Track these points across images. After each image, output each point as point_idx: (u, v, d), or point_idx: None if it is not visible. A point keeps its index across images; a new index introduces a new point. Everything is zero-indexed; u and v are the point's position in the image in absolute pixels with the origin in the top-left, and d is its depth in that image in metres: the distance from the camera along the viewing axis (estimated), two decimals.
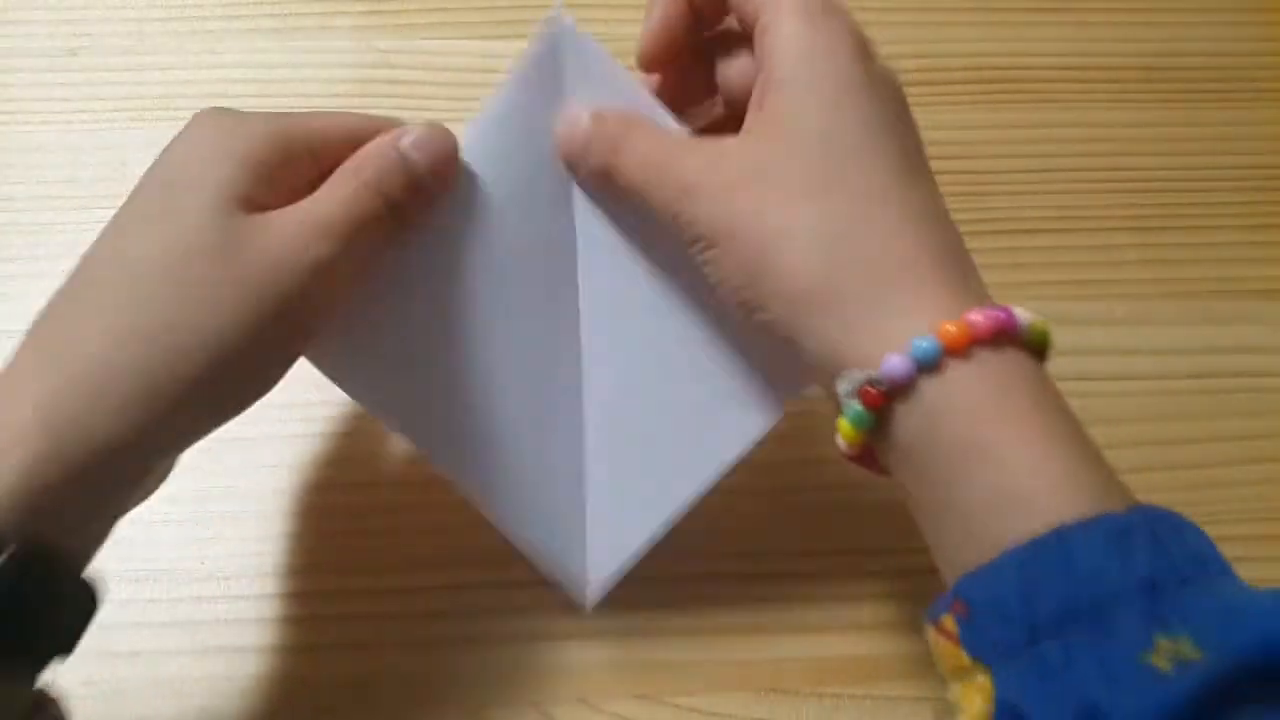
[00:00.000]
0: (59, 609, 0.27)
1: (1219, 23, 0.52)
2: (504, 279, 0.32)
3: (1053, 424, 0.27)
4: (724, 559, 0.38)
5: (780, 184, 0.29)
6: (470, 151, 0.32)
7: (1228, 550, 0.39)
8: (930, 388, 0.26)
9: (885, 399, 0.27)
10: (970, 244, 0.46)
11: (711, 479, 0.33)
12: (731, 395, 0.33)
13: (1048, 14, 0.53)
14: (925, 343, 0.26)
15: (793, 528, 0.39)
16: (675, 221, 0.30)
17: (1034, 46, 0.52)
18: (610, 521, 0.34)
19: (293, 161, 0.30)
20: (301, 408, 0.40)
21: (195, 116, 0.31)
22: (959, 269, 0.29)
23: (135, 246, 0.29)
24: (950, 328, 0.26)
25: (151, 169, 0.31)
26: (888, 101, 0.30)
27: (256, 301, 0.28)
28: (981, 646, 0.25)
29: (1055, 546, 0.24)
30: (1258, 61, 0.52)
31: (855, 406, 0.27)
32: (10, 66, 0.47)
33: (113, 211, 0.44)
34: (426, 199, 0.31)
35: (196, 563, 0.37)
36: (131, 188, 0.46)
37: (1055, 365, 0.43)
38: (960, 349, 0.26)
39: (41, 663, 0.27)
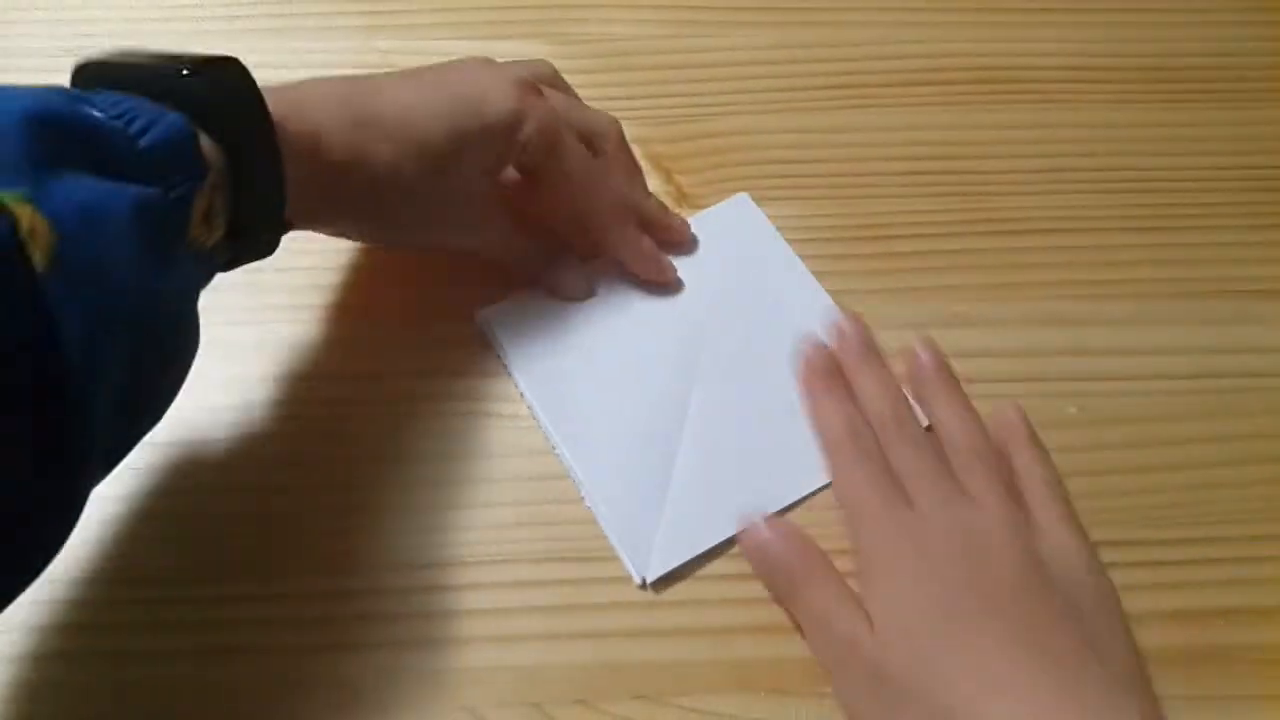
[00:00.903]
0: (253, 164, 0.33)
1: (1219, 23, 0.53)
2: (649, 320, 0.43)
3: None
4: (724, 559, 0.38)
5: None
6: None
7: (1227, 550, 0.39)
8: None
9: None
10: (970, 244, 0.46)
11: (772, 511, 0.39)
12: (805, 450, 0.40)
13: (1048, 14, 0.53)
14: None
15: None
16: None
17: (1035, 47, 0.52)
18: (683, 521, 0.39)
19: None
20: (299, 404, 0.40)
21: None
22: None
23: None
24: None
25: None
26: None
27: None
28: None
29: None
30: (1258, 61, 0.52)
31: None
32: (10, 66, 0.47)
33: None
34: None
35: (195, 563, 0.37)
36: None
37: (1055, 365, 0.43)
38: None
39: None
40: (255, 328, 0.42)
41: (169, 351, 0.31)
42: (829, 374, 0.41)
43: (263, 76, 0.49)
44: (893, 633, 0.34)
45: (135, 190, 0.28)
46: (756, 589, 0.38)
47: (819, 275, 0.44)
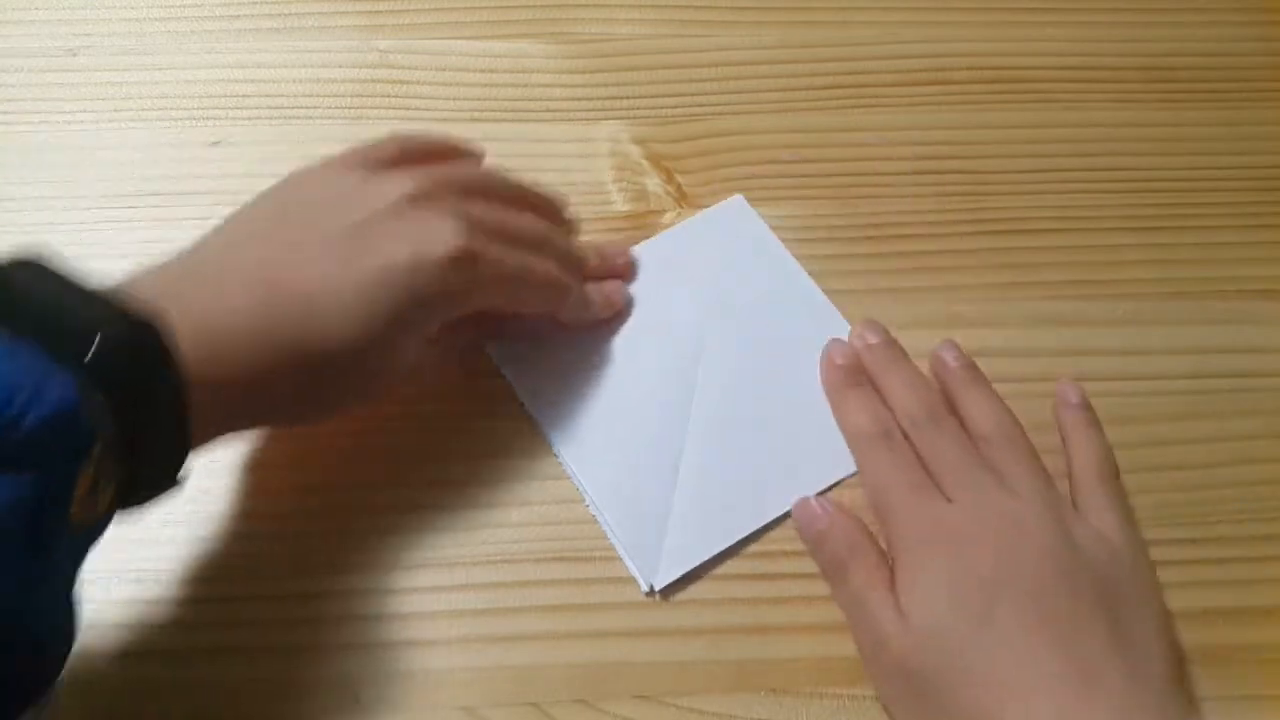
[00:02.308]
0: (157, 417, 0.29)
1: (1220, 23, 0.53)
2: (647, 329, 0.43)
3: None
4: (724, 559, 0.38)
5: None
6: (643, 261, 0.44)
7: (1228, 550, 0.39)
8: None
9: None
10: (970, 244, 0.46)
11: (777, 515, 0.39)
12: (809, 452, 0.40)
13: (1049, 14, 0.53)
14: None
15: (793, 528, 0.39)
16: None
17: (1035, 47, 0.52)
18: (690, 527, 0.39)
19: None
20: None
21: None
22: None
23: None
24: None
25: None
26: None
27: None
28: None
29: None
30: (1258, 61, 0.52)
31: None
32: (10, 66, 0.47)
33: (112, 211, 0.45)
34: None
35: (196, 563, 0.37)
36: (131, 188, 0.46)
37: (1055, 365, 0.43)
38: None
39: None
40: None
41: (34, 652, 0.27)
42: (855, 372, 0.41)
43: (263, 76, 0.49)
44: (923, 628, 0.34)
45: (7, 483, 0.25)
46: (756, 589, 0.38)
47: (819, 275, 0.44)
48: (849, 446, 0.40)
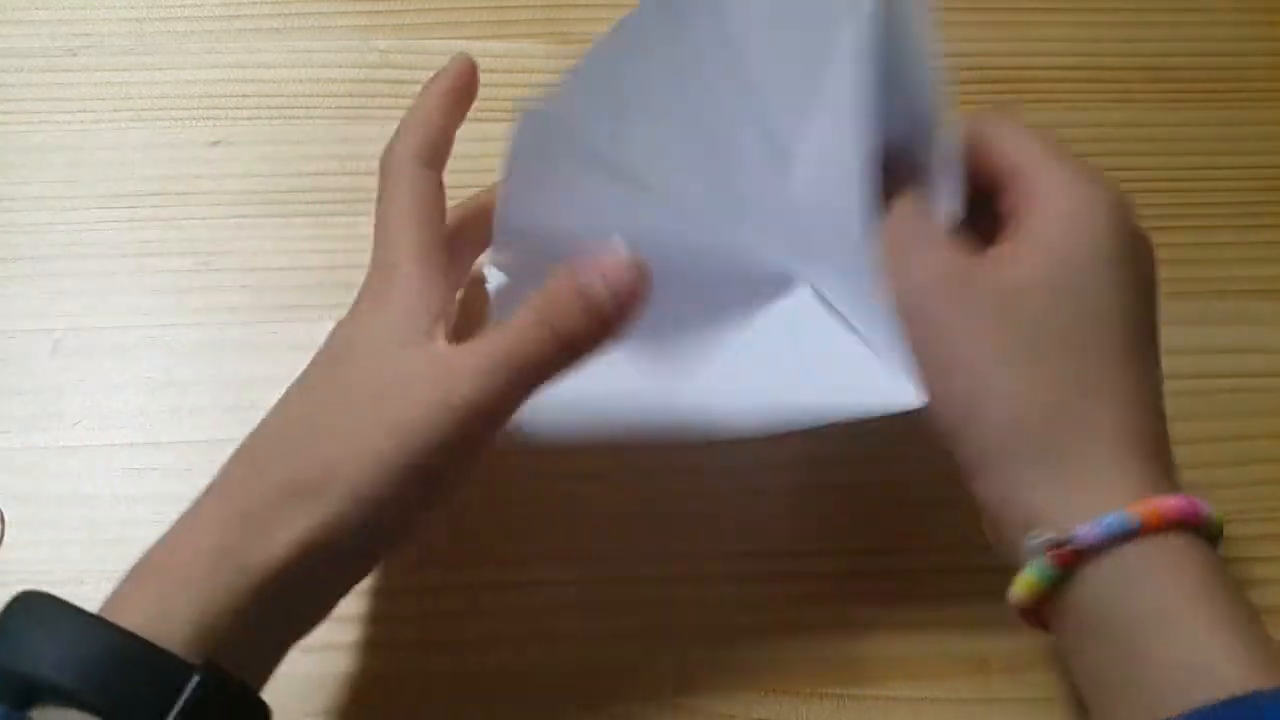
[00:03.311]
0: None
1: (1221, 23, 0.52)
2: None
3: (1233, 605, 0.28)
4: (725, 559, 0.38)
5: (1020, 337, 0.30)
6: None
7: (1228, 550, 0.39)
8: (1121, 559, 0.29)
9: (1076, 560, 0.29)
10: None
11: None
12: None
13: (1048, 14, 0.53)
14: (1123, 516, 0.28)
15: (794, 527, 0.39)
16: (900, 316, 0.32)
17: (1034, 46, 0.51)
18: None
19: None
20: None
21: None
22: (1162, 458, 0.31)
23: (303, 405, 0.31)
24: (1147, 507, 0.29)
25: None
26: (1136, 280, 0.32)
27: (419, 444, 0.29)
28: None
29: (1247, 708, 0.26)
30: (1259, 61, 0.52)
31: (1045, 563, 0.29)
32: (10, 66, 0.47)
33: (112, 211, 0.45)
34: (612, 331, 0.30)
35: None
36: (133, 189, 0.46)
37: None
38: (1154, 527, 0.29)
39: None
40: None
41: None
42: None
43: (263, 76, 0.49)
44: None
45: None
46: (758, 588, 0.38)
47: None
48: None
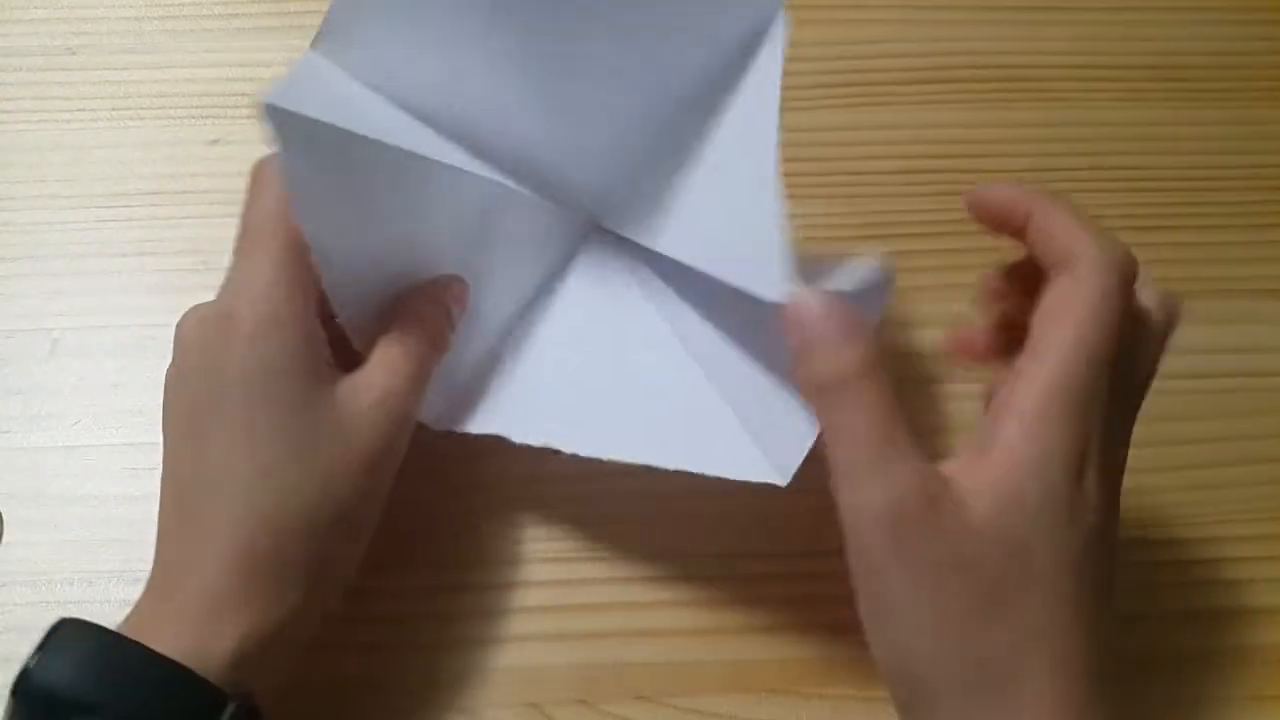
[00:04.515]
0: None
1: (1226, 22, 0.52)
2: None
3: None
4: (725, 559, 0.38)
5: (962, 598, 0.28)
6: None
7: (1228, 550, 0.39)
8: None
9: None
10: (973, 243, 0.46)
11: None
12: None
13: (1053, 12, 0.52)
14: None
15: (794, 527, 0.39)
16: (844, 525, 0.29)
17: (1039, 45, 0.51)
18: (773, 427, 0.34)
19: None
20: None
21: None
22: (1093, 708, 0.29)
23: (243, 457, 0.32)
24: None
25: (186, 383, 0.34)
26: (1093, 528, 0.30)
27: (358, 469, 0.32)
28: None
29: None
30: (1265, 60, 0.51)
31: None
32: (10, 66, 0.47)
33: (112, 210, 0.45)
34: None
35: None
36: (131, 188, 0.45)
37: None
38: None
39: None
40: None
41: None
42: None
43: (262, 76, 0.49)
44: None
45: None
46: (757, 589, 0.38)
47: None
48: None
